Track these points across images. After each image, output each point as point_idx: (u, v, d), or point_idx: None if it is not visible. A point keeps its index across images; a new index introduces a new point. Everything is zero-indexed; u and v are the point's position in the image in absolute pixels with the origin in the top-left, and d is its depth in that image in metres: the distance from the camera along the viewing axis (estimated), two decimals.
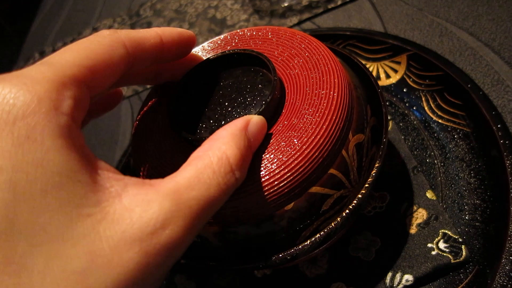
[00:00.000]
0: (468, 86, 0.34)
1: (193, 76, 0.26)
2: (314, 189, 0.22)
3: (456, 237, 0.28)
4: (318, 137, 0.22)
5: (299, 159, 0.21)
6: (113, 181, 0.16)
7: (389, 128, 0.36)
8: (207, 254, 0.26)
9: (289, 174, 0.21)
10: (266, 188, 0.21)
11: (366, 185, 0.23)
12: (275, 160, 0.22)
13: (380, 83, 0.39)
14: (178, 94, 0.25)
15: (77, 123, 0.17)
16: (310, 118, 0.22)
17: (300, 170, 0.21)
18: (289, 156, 0.21)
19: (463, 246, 0.28)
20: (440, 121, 0.35)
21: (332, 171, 0.22)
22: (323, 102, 0.23)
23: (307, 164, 0.21)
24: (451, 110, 0.34)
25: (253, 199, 0.22)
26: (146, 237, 0.15)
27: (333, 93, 0.23)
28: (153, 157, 0.25)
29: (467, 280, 0.27)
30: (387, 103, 0.37)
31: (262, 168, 0.22)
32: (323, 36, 0.41)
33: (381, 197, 0.32)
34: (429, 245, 0.28)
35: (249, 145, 0.20)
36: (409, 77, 0.38)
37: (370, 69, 0.40)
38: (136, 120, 0.27)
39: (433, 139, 0.34)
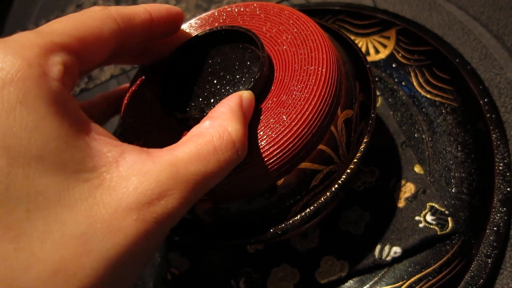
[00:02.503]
0: (457, 60, 0.34)
1: (181, 54, 0.26)
2: (304, 165, 0.22)
3: (442, 209, 0.29)
4: (307, 113, 0.22)
5: (288, 135, 0.21)
6: (110, 146, 0.16)
7: (378, 104, 0.36)
8: (199, 231, 0.26)
9: (278, 150, 0.21)
10: (257, 164, 0.21)
11: (355, 160, 0.24)
12: (265, 137, 0.22)
13: (370, 58, 0.39)
14: (166, 73, 0.25)
15: (68, 89, 0.16)
16: (298, 94, 0.22)
17: (290, 146, 0.21)
18: (279, 133, 0.21)
19: (449, 218, 0.28)
20: (428, 96, 0.35)
21: (321, 147, 0.22)
22: (312, 78, 0.23)
23: (296, 140, 0.21)
24: (440, 85, 0.35)
25: (244, 176, 0.22)
26: (143, 206, 0.15)
27: (322, 69, 0.23)
28: (142, 135, 0.25)
29: (452, 251, 0.28)
30: (376, 79, 0.37)
31: (252, 145, 0.22)
32: (312, 11, 0.41)
33: (370, 172, 0.32)
34: (417, 218, 0.29)
35: (247, 121, 0.20)
36: (398, 52, 0.38)
37: (360, 45, 0.40)
38: (125, 99, 0.27)
39: (422, 114, 0.34)
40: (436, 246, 0.28)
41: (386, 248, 0.29)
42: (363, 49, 0.39)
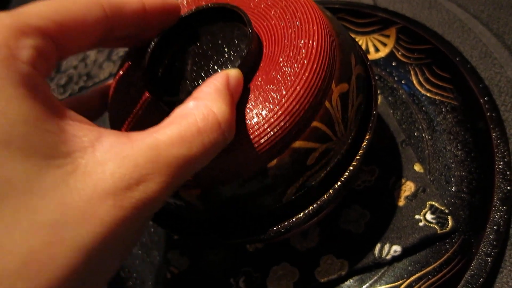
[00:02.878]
0: (457, 59, 0.34)
1: (168, 36, 0.24)
2: (298, 143, 0.21)
3: (442, 208, 0.29)
4: (298, 88, 0.21)
5: (279, 113, 0.20)
6: (86, 130, 0.15)
7: (378, 102, 0.36)
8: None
9: (269, 129, 0.20)
10: (247, 145, 0.20)
11: (358, 158, 0.24)
12: (254, 116, 0.21)
13: (370, 57, 0.39)
14: (152, 56, 0.24)
15: (41, 73, 0.16)
16: (288, 70, 0.21)
17: (281, 124, 0.20)
18: (269, 111, 0.20)
19: (449, 217, 0.28)
20: (428, 94, 0.35)
21: (315, 123, 0.21)
22: (302, 52, 0.21)
23: (288, 118, 0.20)
24: (439, 83, 0.35)
25: (233, 158, 0.21)
26: (120, 192, 0.14)
27: (313, 41, 0.22)
28: (129, 121, 0.24)
29: (452, 250, 0.28)
30: (376, 77, 0.37)
31: (241, 126, 0.20)
32: None
33: (370, 171, 0.32)
34: (417, 216, 0.29)
35: (234, 101, 0.19)
36: (398, 51, 0.38)
37: (360, 43, 0.39)
38: (112, 84, 0.26)
39: (422, 112, 0.34)
40: (436, 245, 0.28)
41: (386, 247, 0.29)
42: (363, 48, 0.39)
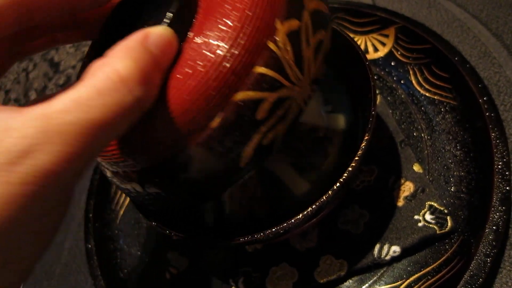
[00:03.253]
0: (456, 59, 0.34)
1: (110, 19, 0.23)
2: (240, 95, 0.18)
3: (441, 208, 0.29)
4: (230, 31, 0.18)
5: (211, 62, 0.18)
6: None
7: (377, 102, 0.36)
8: (199, 231, 0.26)
9: (202, 83, 0.18)
10: (178, 105, 0.18)
11: (357, 158, 0.23)
12: (184, 71, 0.19)
13: (368, 56, 0.39)
14: (96, 42, 0.22)
15: None
16: (219, 15, 0.19)
17: (216, 76, 0.18)
18: (202, 66, 0.18)
19: (448, 217, 0.28)
20: (427, 94, 0.35)
21: (259, 69, 0.19)
22: None
23: (221, 67, 0.18)
24: (439, 83, 0.35)
25: (166, 124, 0.19)
26: (5, 167, 0.13)
27: None
28: None
29: (452, 250, 0.28)
30: (375, 77, 0.37)
31: (172, 86, 0.19)
32: None
33: (369, 171, 0.32)
34: (416, 217, 0.29)
35: (153, 59, 0.17)
36: (397, 50, 0.38)
37: (358, 43, 0.39)
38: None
39: (421, 112, 0.34)
40: (435, 245, 0.28)
41: (385, 247, 0.29)
42: (362, 47, 0.39)
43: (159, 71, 0.18)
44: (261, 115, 0.19)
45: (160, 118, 0.19)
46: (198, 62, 0.19)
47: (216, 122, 0.19)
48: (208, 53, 0.19)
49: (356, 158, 0.24)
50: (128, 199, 0.40)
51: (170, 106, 0.18)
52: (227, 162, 0.20)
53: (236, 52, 0.18)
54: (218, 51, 0.18)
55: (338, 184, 0.23)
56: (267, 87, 0.19)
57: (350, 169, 0.24)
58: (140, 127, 0.19)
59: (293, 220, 0.23)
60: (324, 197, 0.23)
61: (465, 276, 0.26)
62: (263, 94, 0.19)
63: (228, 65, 0.18)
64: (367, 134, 0.24)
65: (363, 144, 0.24)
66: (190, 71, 0.18)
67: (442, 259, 0.28)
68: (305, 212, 0.23)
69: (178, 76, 0.19)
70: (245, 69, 0.18)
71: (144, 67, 0.16)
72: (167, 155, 0.19)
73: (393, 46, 0.38)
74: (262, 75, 0.19)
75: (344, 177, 0.23)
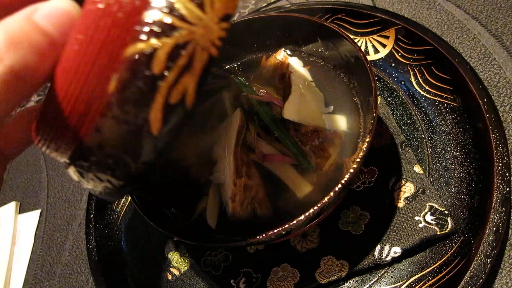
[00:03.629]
0: (456, 60, 0.34)
1: None
2: (131, 49, 0.16)
3: (442, 209, 0.29)
4: None
5: (89, 22, 0.17)
6: None
7: (378, 103, 0.36)
8: (200, 233, 0.25)
9: (86, 44, 0.17)
10: (74, 77, 0.17)
11: (358, 160, 0.23)
12: (74, 39, 0.17)
13: (369, 57, 0.39)
14: None
15: None
16: None
17: (98, 32, 0.16)
18: (82, 27, 0.17)
19: (448, 218, 0.28)
20: (428, 95, 0.35)
21: (144, 16, 0.16)
22: None
23: (103, 22, 0.16)
24: (439, 84, 0.35)
25: (67, 99, 0.17)
26: None
27: None
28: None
29: (452, 251, 0.28)
30: (376, 78, 0.37)
31: (64, 57, 0.17)
32: (312, 10, 0.41)
33: (370, 172, 0.32)
34: (417, 218, 0.29)
35: (38, 30, 0.17)
36: (398, 52, 0.38)
37: (359, 44, 0.39)
38: None
39: (421, 113, 0.34)
40: (436, 246, 0.28)
41: (386, 248, 0.29)
42: (362, 48, 0.39)
43: (49, 43, 0.17)
44: (158, 68, 0.16)
45: (59, 94, 0.17)
46: (81, 25, 0.17)
47: (112, 86, 0.16)
48: (90, 13, 0.17)
49: (358, 160, 0.24)
50: (128, 200, 0.40)
51: (64, 78, 0.17)
52: (137, 131, 0.17)
53: (112, 1, 0.16)
54: (99, 5, 0.17)
55: (340, 186, 0.23)
56: (159, 34, 0.16)
57: (351, 171, 0.24)
58: (47, 106, 0.18)
59: (295, 222, 0.23)
60: (326, 199, 0.23)
61: (466, 277, 0.26)
62: (155, 43, 0.16)
63: (109, 19, 0.16)
64: (368, 136, 0.24)
65: (365, 146, 0.24)
66: (79, 37, 0.17)
67: (442, 259, 0.28)
68: (307, 214, 0.23)
69: (69, 46, 0.17)
70: (128, 18, 0.16)
71: (19, 36, 0.16)
72: (79, 136, 0.18)
73: (393, 47, 0.38)
74: (151, 21, 0.16)
75: (345, 179, 0.24)
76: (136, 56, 0.16)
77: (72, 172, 0.20)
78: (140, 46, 0.16)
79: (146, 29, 0.16)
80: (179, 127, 0.17)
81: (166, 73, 0.16)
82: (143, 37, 0.16)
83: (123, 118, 0.17)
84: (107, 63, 0.16)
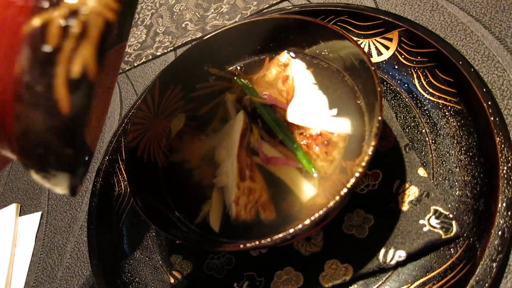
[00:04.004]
0: (460, 63, 0.34)
1: None
2: (27, 26, 0.16)
3: (447, 213, 0.29)
4: None
5: None
6: None
7: None
8: (203, 237, 0.25)
9: None
10: None
11: (364, 164, 0.23)
12: None
13: (372, 60, 0.38)
14: None
15: None
16: None
17: None
18: None
19: (453, 222, 0.28)
20: (431, 98, 0.35)
21: None
22: None
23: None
24: (443, 87, 0.35)
25: None
26: None
27: None
28: None
29: (457, 255, 0.28)
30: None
31: None
32: (314, 11, 0.40)
33: (374, 175, 0.32)
34: (421, 221, 0.29)
35: None
36: (401, 54, 0.38)
37: (362, 46, 0.39)
38: None
39: (425, 116, 0.34)
40: (441, 250, 0.28)
41: (391, 252, 0.29)
42: (366, 50, 0.39)
43: None
44: (53, 41, 0.15)
45: None
46: None
47: (17, 68, 0.16)
48: None
49: (363, 164, 0.24)
50: (130, 203, 0.40)
51: None
52: (50, 113, 0.16)
53: None
54: None
55: (345, 190, 0.23)
56: (49, 6, 0.16)
57: (357, 174, 0.23)
58: None
59: (300, 226, 0.23)
60: (332, 203, 0.23)
61: (471, 281, 0.26)
62: (46, 16, 0.15)
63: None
64: (373, 140, 0.24)
65: (370, 150, 0.24)
66: None
67: (447, 263, 0.28)
68: (312, 218, 0.23)
69: None
70: None
71: None
72: (5, 129, 0.17)
73: (397, 50, 0.38)
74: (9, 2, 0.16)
75: (351, 182, 0.23)
76: (32, 33, 0.15)
77: (30, 174, 0.19)
78: (34, 22, 0.15)
79: (38, 3, 0.15)
80: (89, 102, 0.17)
81: (60, 45, 0.16)
82: (36, 11, 0.15)
83: (32, 101, 0.16)
84: (8, 45, 0.16)
